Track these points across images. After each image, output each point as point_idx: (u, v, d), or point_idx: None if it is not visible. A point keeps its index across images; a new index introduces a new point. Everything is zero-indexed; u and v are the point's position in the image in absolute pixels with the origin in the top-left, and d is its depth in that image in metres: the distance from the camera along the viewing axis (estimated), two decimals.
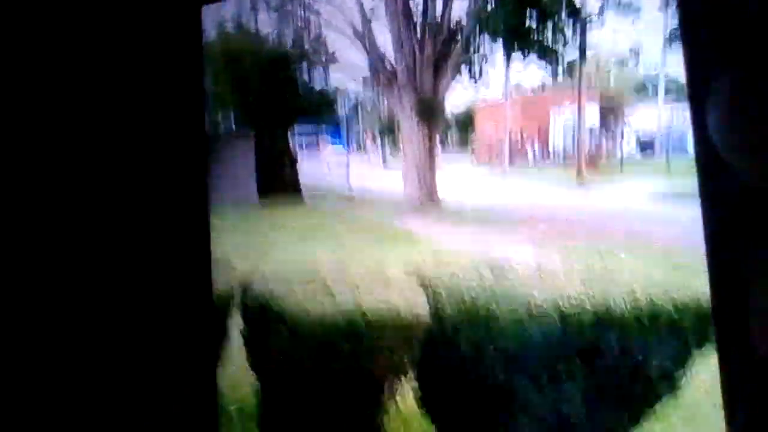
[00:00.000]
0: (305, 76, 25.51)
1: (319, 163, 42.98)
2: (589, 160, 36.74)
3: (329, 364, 2.75)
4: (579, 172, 31.85)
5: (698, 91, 0.80)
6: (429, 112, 20.06)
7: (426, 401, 3.55)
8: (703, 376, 5.07)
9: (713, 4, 0.76)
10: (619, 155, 40.52)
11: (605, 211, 18.79)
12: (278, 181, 22.97)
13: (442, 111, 21.03)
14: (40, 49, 0.76)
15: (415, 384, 3.57)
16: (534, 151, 50.85)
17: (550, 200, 22.57)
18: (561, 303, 2.88)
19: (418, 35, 20.30)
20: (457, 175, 39.10)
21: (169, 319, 0.88)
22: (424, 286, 3.32)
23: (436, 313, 3.11)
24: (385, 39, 20.92)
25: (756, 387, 0.80)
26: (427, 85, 20.22)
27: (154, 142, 0.83)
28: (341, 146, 31.76)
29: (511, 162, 43.53)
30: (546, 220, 15.81)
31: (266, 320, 2.79)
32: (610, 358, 2.95)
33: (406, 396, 4.03)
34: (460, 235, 13.99)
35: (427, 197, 20.52)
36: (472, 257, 4.11)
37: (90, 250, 0.82)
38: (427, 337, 3.08)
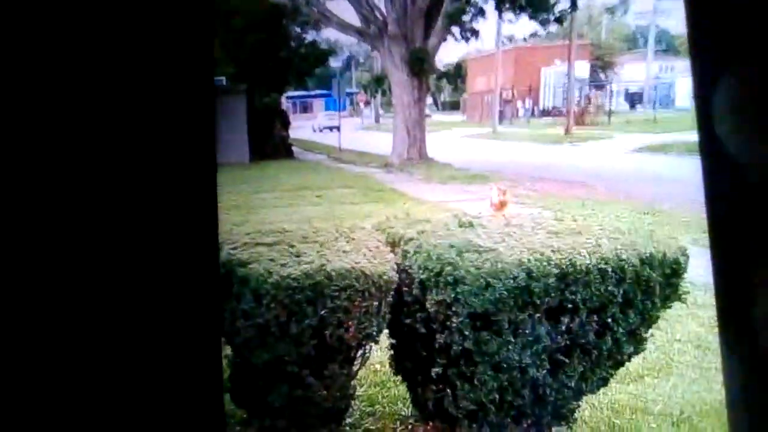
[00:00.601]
0: (297, 30, 25.21)
1: (313, 126, 42.99)
2: (579, 115, 36.84)
3: (295, 329, 2.71)
4: (567, 128, 31.91)
5: (704, 86, 0.78)
6: (419, 62, 19.90)
7: (399, 365, 3.54)
8: (677, 335, 5.15)
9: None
10: (608, 108, 40.62)
11: (591, 166, 18.86)
12: (270, 141, 22.92)
13: (432, 62, 20.81)
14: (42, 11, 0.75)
15: (389, 348, 3.57)
16: (524, 106, 50.87)
17: (538, 157, 22.64)
18: (526, 258, 2.84)
19: None
20: (448, 133, 39.13)
21: (175, 290, 0.88)
22: (393, 243, 3.29)
23: (404, 271, 3.08)
24: None
25: (761, 386, 0.79)
26: (418, 36, 20.04)
27: (161, 97, 0.82)
28: (334, 111, 31.52)
29: (501, 118, 43.57)
30: (531, 177, 15.84)
31: (231, 284, 2.74)
32: (576, 314, 2.93)
33: (382, 361, 4.05)
34: (443, 193, 14.00)
35: (416, 153, 20.46)
36: (445, 215, 4.06)
37: (91, 227, 0.81)
38: (396, 298, 3.06)
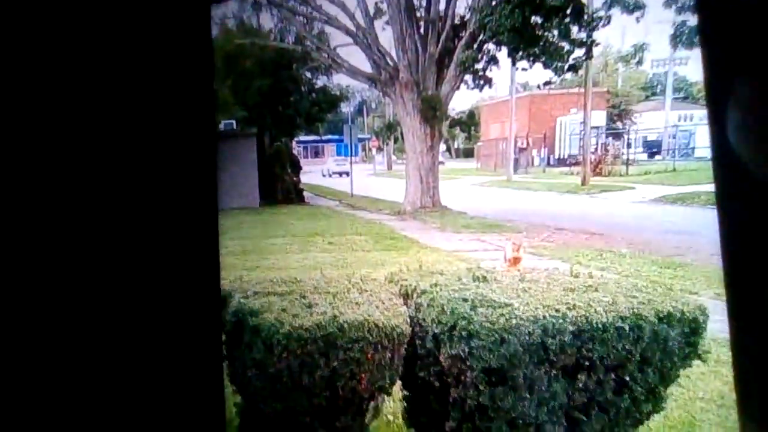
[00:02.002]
0: (308, 75, 25.56)
1: (323, 170, 43.19)
2: (595, 164, 36.88)
3: (307, 380, 2.74)
4: (584, 177, 31.94)
5: (717, 92, 0.78)
6: (431, 110, 20.04)
7: (413, 418, 3.55)
8: (699, 393, 5.12)
9: (733, 3, 0.74)
10: (625, 158, 40.67)
11: (609, 217, 18.86)
12: (281, 186, 23.08)
13: (445, 109, 20.96)
14: (44, 46, 0.77)
15: (402, 400, 3.58)
16: (540, 155, 50.97)
17: (554, 206, 22.67)
18: (541, 315, 2.87)
19: (421, 31, 20.32)
20: (462, 180, 39.24)
21: (176, 320, 0.89)
22: (406, 295, 3.33)
23: (417, 324, 3.11)
24: (387, 37, 20.91)
25: None
26: (430, 83, 20.22)
27: (163, 139, 0.83)
28: (345, 156, 31.75)
29: (516, 166, 43.68)
30: (547, 227, 15.85)
31: (242, 333, 2.78)
32: (593, 372, 2.94)
33: (395, 412, 4.05)
34: (457, 242, 14.02)
35: (430, 201, 20.52)
36: (458, 265, 4.10)
37: (95, 251, 0.83)
38: (410, 350, 3.08)
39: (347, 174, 27.85)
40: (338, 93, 27.69)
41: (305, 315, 2.79)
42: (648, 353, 2.99)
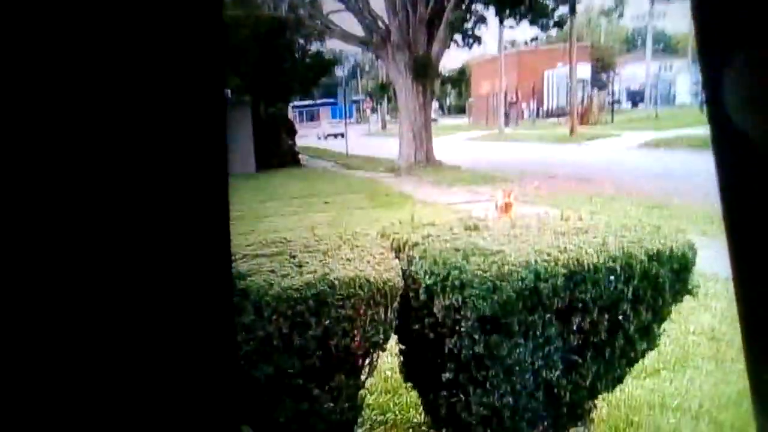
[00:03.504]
0: (301, 41, 25.21)
1: (318, 133, 43.01)
2: (582, 114, 36.70)
3: (299, 341, 2.59)
4: (572, 127, 31.75)
5: (711, 61, 0.76)
6: (422, 70, 19.91)
7: (410, 371, 3.42)
8: (691, 327, 5.02)
9: None
10: (610, 108, 40.45)
11: (596, 163, 18.69)
12: (276, 150, 22.85)
13: (436, 68, 20.78)
14: (52, 19, 0.72)
15: (398, 354, 3.45)
16: (529, 108, 50.82)
17: (544, 156, 22.51)
18: (533, 260, 2.72)
19: None
20: (455, 136, 39.04)
21: (187, 295, 0.84)
22: (398, 249, 3.18)
23: (410, 277, 2.96)
24: (378, 1, 20.65)
25: None
26: (421, 44, 20.03)
27: (172, 106, 0.79)
28: (340, 118, 31.41)
29: (506, 120, 43.49)
30: (538, 176, 15.72)
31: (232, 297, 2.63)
32: (587, 313, 2.81)
33: (393, 368, 3.94)
34: (451, 195, 13.86)
35: (423, 157, 20.40)
36: (452, 217, 3.94)
37: (103, 221, 0.78)
38: (404, 303, 2.95)
39: (342, 135, 27.59)
40: (331, 57, 27.31)
41: (295, 275, 2.64)
42: (640, 292, 2.85)
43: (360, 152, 26.69)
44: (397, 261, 3.01)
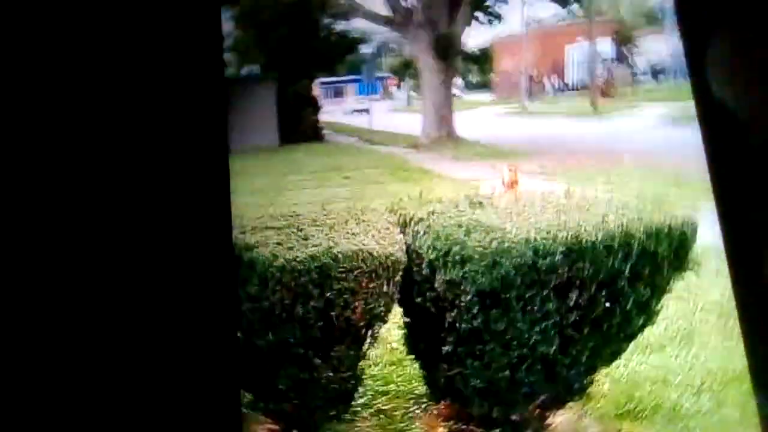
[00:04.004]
0: (327, 21, 25.07)
1: (343, 110, 42.83)
2: (603, 89, 36.17)
3: (301, 311, 2.64)
4: (593, 102, 31.33)
5: (695, 43, 0.78)
6: (445, 48, 19.75)
7: (412, 344, 3.46)
8: (699, 303, 4.99)
9: None
10: (631, 82, 39.80)
11: (617, 138, 18.43)
12: (300, 126, 22.83)
13: (458, 46, 20.62)
14: (57, 17, 0.75)
15: (402, 327, 3.49)
16: (551, 83, 50.19)
17: (565, 131, 22.22)
18: (533, 237, 2.74)
19: None
20: (477, 111, 38.72)
21: (188, 276, 0.88)
22: (404, 224, 3.21)
23: (414, 252, 3.00)
24: None
25: None
26: (443, 22, 19.86)
27: (172, 89, 0.81)
28: (365, 95, 31.30)
29: (529, 96, 43.04)
30: (559, 151, 15.55)
31: (238, 269, 2.68)
32: (584, 290, 2.83)
33: (399, 340, 3.97)
34: (471, 170, 13.77)
35: (445, 133, 20.28)
36: (464, 192, 3.94)
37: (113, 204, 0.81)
38: (408, 278, 2.99)
39: (367, 111, 27.47)
40: (357, 36, 27.13)
41: (300, 247, 2.68)
42: (638, 269, 2.86)
43: (384, 128, 26.58)
44: (401, 236, 3.04)
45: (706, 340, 4.43)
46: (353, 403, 3.31)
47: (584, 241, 2.75)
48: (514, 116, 33.85)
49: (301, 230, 2.89)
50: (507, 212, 3.10)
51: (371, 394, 3.73)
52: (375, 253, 2.69)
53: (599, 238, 2.77)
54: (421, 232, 3.00)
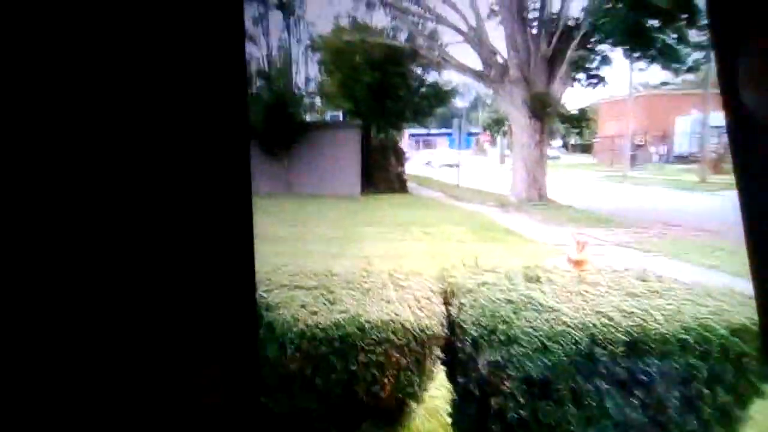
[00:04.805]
0: (418, 71, 25.31)
1: (432, 162, 43.09)
2: (716, 162, 34.88)
3: (321, 383, 2.43)
4: (702, 175, 30.21)
5: (728, 56, 0.78)
6: (540, 106, 19.55)
7: (458, 425, 3.18)
8: None
9: None
10: None
11: (725, 215, 17.52)
12: (385, 176, 22.93)
13: (555, 106, 20.35)
14: (70, 34, 0.75)
15: (447, 406, 3.23)
16: (657, 152, 48.95)
17: (668, 203, 21.39)
18: (591, 322, 2.46)
19: (533, 32, 19.80)
20: (575, 173, 38.03)
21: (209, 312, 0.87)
22: (450, 294, 2.97)
23: (458, 326, 2.75)
24: (498, 36, 20.56)
25: None
26: (540, 81, 19.72)
27: (194, 136, 0.81)
28: (455, 148, 31.29)
29: (633, 162, 42.05)
30: (659, 222, 14.96)
31: (257, 329, 2.51)
32: (651, 389, 2.51)
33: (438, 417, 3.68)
34: (560, 235, 13.32)
35: (536, 194, 19.94)
36: (550, 260, 3.67)
37: (127, 243, 0.81)
38: (453, 355, 2.75)
39: (456, 166, 27.38)
40: (450, 89, 27.23)
41: (325, 312, 2.49)
42: (717, 370, 2.52)
43: (473, 185, 26.37)
44: (442, 307, 2.81)
45: None
46: None
47: (652, 332, 2.44)
48: (614, 182, 33.01)
49: (331, 292, 2.70)
50: (567, 292, 2.82)
51: None
52: (408, 326, 2.47)
53: (671, 331, 2.46)
54: (467, 305, 2.76)
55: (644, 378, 2.49)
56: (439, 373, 3.05)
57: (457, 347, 2.77)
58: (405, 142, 27.69)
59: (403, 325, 2.46)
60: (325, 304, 2.57)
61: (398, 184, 23.45)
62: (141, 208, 0.79)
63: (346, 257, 9.23)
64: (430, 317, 2.59)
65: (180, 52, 0.76)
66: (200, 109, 0.78)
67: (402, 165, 24.23)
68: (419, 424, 4.04)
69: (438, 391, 3.57)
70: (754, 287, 0.86)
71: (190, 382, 0.86)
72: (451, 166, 30.26)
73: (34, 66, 0.74)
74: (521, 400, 2.52)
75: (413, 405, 2.68)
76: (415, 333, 2.48)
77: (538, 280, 3.01)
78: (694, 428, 2.61)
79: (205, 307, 0.85)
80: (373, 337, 2.43)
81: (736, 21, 0.73)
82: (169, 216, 0.80)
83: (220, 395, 0.89)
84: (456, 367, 2.83)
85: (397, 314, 2.51)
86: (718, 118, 40.27)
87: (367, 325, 2.43)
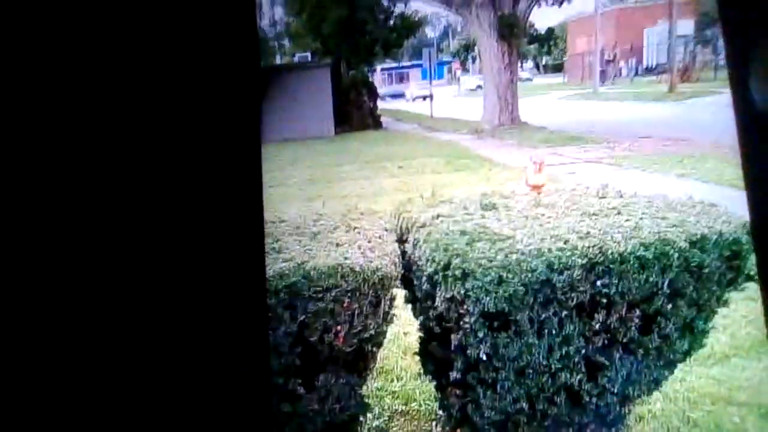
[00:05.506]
0: (385, 3, 24.72)
1: (406, 95, 42.61)
2: (683, 71, 34.66)
3: (271, 337, 2.28)
4: (671, 85, 30.00)
5: (738, 50, 0.77)
6: (507, 29, 19.18)
7: (425, 364, 3.06)
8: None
9: None
10: (713, 64, 38.01)
11: (695, 123, 17.43)
12: (357, 113, 22.58)
13: (522, 27, 19.96)
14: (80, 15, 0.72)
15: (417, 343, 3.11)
16: (627, 66, 48.65)
17: (639, 115, 21.28)
18: (547, 247, 2.31)
19: None
20: (546, 96, 37.76)
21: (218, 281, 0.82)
22: (406, 230, 2.82)
23: (414, 264, 2.61)
24: None
25: None
26: (506, 2, 19.28)
27: (206, 80, 0.78)
28: (427, 80, 30.80)
29: (603, 78, 41.74)
30: (630, 136, 14.88)
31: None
32: (612, 309, 2.38)
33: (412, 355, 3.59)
34: (522, 159, 13.21)
35: (508, 118, 19.74)
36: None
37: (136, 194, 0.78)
38: (412, 293, 2.61)
39: (430, 97, 27.02)
40: (417, 18, 26.62)
41: (269, 262, 2.33)
42: (679, 284, 2.39)
43: (446, 114, 26.08)
44: (395, 246, 2.65)
45: None
46: (365, 427, 3.00)
47: (610, 252, 2.30)
48: (585, 100, 32.79)
49: (277, 240, 2.53)
50: (523, 216, 2.67)
51: (388, 415, 3.39)
52: (357, 269, 2.31)
53: (629, 249, 2.31)
54: (421, 241, 2.60)
55: (604, 300, 2.37)
56: (406, 312, 2.93)
57: (415, 285, 2.63)
58: (376, 78, 27.20)
59: (352, 269, 2.30)
60: (268, 253, 2.40)
61: (372, 121, 23.12)
62: (144, 198, 0.77)
63: (325, 197, 9.06)
64: (381, 257, 2.43)
65: (188, 35, 0.76)
66: (211, 104, 0.78)
67: (374, 101, 23.84)
68: (393, 362, 3.98)
69: (411, 327, 3.48)
70: (761, 289, 0.84)
71: (198, 381, 0.84)
72: (425, 98, 29.86)
73: (37, 62, 0.71)
74: (480, 334, 2.39)
75: (374, 349, 2.53)
76: (365, 276, 2.32)
77: (494, 207, 2.85)
78: (657, 345, 2.51)
79: (215, 304, 0.83)
80: (321, 284, 2.27)
81: (749, 18, 0.72)
82: (176, 211, 0.78)
83: (230, 396, 0.86)
84: (416, 306, 2.70)
85: (346, 258, 2.34)
86: (685, 26, 39.96)
87: (313, 273, 2.26)
